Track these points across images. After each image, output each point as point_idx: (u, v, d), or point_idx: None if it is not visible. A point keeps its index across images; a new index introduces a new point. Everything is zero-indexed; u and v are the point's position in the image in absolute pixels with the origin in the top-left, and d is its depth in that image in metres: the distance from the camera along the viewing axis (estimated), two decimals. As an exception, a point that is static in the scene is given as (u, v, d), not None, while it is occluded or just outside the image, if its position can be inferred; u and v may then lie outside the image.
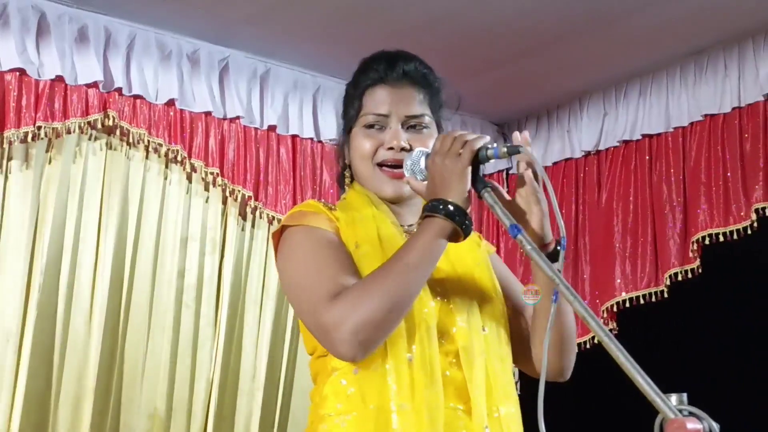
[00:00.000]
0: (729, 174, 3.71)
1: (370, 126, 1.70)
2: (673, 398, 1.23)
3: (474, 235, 1.79)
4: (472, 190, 1.50)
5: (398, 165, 1.66)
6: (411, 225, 1.72)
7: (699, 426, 1.19)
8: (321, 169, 4.00)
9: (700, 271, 3.77)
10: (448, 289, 1.62)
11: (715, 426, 1.20)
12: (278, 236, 1.67)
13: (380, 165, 1.69)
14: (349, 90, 1.77)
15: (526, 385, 4.68)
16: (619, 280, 4.01)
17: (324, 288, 1.49)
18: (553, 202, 1.46)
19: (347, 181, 1.77)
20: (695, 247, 3.76)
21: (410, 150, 1.65)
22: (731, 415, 1.36)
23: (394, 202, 1.72)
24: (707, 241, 3.73)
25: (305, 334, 1.64)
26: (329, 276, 1.51)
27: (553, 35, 3.68)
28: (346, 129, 1.75)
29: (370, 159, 1.69)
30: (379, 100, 1.70)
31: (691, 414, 1.20)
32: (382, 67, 1.73)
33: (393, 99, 1.70)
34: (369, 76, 1.74)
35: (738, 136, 3.73)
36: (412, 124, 1.70)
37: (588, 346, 4.03)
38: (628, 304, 3.96)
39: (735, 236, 3.65)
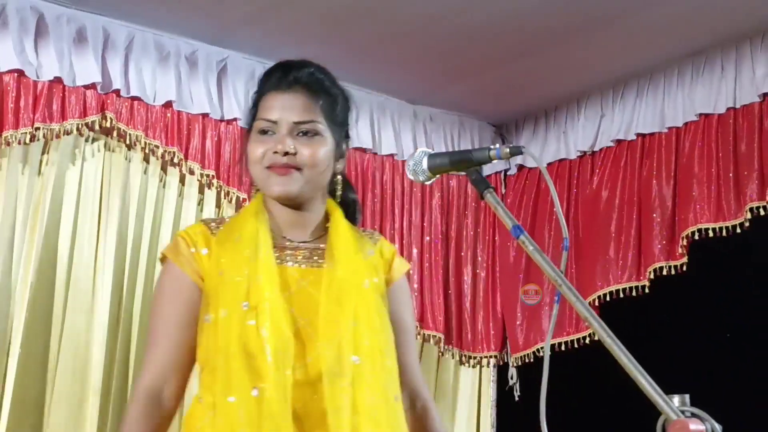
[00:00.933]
0: (722, 173, 3.72)
1: (263, 132, 1.74)
2: (676, 399, 1.23)
3: (378, 257, 1.82)
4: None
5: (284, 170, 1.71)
6: (304, 241, 1.75)
7: (702, 427, 1.19)
8: (318, 170, 4.00)
9: (685, 268, 3.77)
10: (317, 316, 1.66)
11: (718, 427, 1.21)
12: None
13: (269, 168, 1.73)
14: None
15: (525, 387, 4.66)
16: (608, 275, 4.03)
17: (144, 371, 1.73)
18: (556, 204, 1.47)
19: (255, 189, 1.82)
20: (685, 242, 3.76)
21: (295, 154, 1.70)
22: (718, 414, 1.36)
23: (289, 206, 1.75)
24: (697, 236, 3.73)
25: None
26: (151, 361, 1.72)
27: (551, 36, 3.68)
28: (245, 134, 1.81)
29: (260, 163, 1.73)
30: (269, 106, 1.74)
31: (693, 415, 1.21)
32: (278, 74, 1.77)
33: (283, 105, 1.73)
34: (265, 81, 1.79)
35: (732, 136, 3.73)
36: (301, 130, 1.72)
37: (577, 345, 4.04)
38: (609, 298, 3.96)
39: (725, 233, 3.65)
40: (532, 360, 4.25)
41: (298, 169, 1.70)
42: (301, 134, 1.72)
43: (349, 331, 1.65)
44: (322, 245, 1.75)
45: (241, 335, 1.61)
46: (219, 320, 1.64)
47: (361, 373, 1.64)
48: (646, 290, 3.87)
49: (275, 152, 1.70)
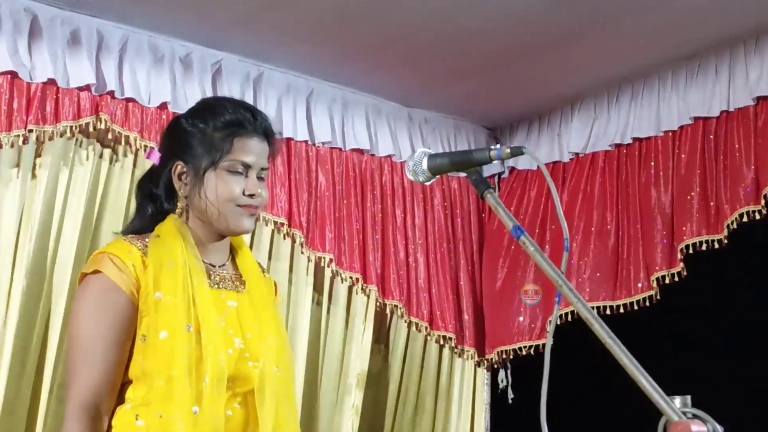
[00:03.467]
0: (717, 176, 3.72)
1: (236, 172, 1.85)
2: (677, 401, 1.23)
3: (270, 280, 2.03)
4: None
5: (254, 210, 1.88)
6: (222, 265, 1.92)
7: (703, 428, 1.19)
8: (316, 171, 4.00)
9: (685, 273, 3.78)
10: (249, 331, 1.83)
11: (719, 428, 1.21)
12: (81, 279, 1.83)
13: (242, 206, 1.87)
14: (210, 129, 1.88)
15: (519, 389, 4.64)
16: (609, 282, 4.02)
17: (80, 387, 1.74)
18: (557, 205, 1.46)
19: (178, 212, 1.89)
20: (687, 250, 3.76)
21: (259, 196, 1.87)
22: (720, 415, 1.36)
23: (222, 238, 1.90)
24: (701, 246, 3.73)
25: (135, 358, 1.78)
26: (87, 377, 1.75)
27: (545, 40, 3.68)
28: (205, 166, 1.86)
29: (234, 201, 1.85)
30: (248, 150, 1.86)
31: (695, 416, 1.21)
32: (250, 117, 1.89)
33: (258, 151, 1.88)
34: (238, 122, 1.88)
35: (726, 139, 3.74)
36: (261, 175, 1.90)
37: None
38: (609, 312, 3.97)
39: (724, 242, 3.66)
40: (512, 356, 4.26)
41: (257, 208, 1.89)
42: (258, 178, 1.89)
43: (273, 346, 1.85)
44: (234, 269, 1.94)
45: (184, 356, 1.71)
46: (158, 341, 1.73)
47: (280, 383, 1.84)
48: (642, 304, 3.87)
49: (251, 195, 1.85)
